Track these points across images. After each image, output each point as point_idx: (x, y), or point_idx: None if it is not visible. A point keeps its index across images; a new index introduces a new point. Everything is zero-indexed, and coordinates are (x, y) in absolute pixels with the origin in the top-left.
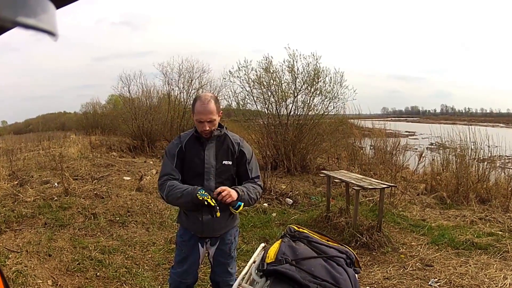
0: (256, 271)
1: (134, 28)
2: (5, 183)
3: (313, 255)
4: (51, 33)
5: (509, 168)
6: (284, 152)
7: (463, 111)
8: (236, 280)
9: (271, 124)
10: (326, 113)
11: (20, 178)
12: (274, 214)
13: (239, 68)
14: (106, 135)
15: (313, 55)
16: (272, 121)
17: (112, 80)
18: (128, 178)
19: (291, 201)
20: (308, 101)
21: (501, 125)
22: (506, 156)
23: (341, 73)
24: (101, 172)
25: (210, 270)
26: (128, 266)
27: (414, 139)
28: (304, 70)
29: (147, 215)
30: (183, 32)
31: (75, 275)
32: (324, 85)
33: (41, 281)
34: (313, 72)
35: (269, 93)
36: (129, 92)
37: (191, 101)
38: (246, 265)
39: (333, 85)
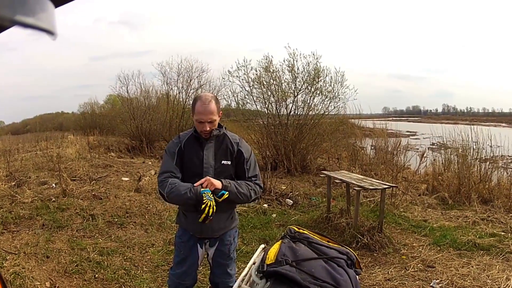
0: (256, 272)
1: (132, 28)
2: (2, 184)
3: (313, 256)
4: (50, 32)
5: None
6: (284, 152)
7: (465, 110)
8: (235, 281)
9: (271, 124)
10: (326, 113)
11: (18, 179)
12: (274, 215)
13: (238, 67)
14: (104, 135)
15: (313, 54)
16: (272, 121)
17: (110, 80)
18: (127, 179)
19: (291, 201)
20: (309, 101)
21: (504, 124)
22: (508, 156)
23: (342, 73)
24: (99, 172)
25: (209, 271)
26: (126, 268)
27: (416, 139)
28: (304, 69)
29: (146, 216)
30: (182, 32)
31: (73, 277)
32: (324, 84)
33: (39, 283)
34: (313, 72)
35: (269, 93)
36: (128, 92)
37: (190, 101)
38: (246, 266)
39: (333, 85)
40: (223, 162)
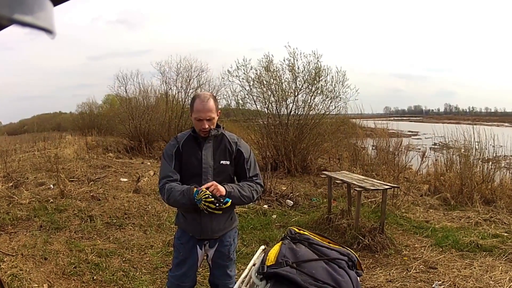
0: (256, 274)
1: (130, 27)
2: None
3: (314, 258)
4: (48, 31)
5: None
6: (284, 152)
7: (467, 110)
8: (235, 283)
9: (271, 124)
10: (327, 113)
11: (15, 180)
12: (274, 216)
13: (238, 67)
14: (103, 135)
15: (314, 53)
16: (272, 121)
17: (108, 80)
18: (125, 180)
19: (292, 202)
20: (309, 101)
21: (506, 124)
22: (511, 156)
23: (342, 72)
24: (97, 173)
25: (209, 273)
26: (125, 270)
27: (417, 139)
28: (304, 68)
29: (145, 217)
30: (181, 31)
31: (72, 278)
32: (325, 84)
33: (36, 285)
34: (314, 71)
35: (269, 92)
36: (126, 91)
37: (189, 101)
38: (246, 268)
39: (334, 84)
40: (222, 162)
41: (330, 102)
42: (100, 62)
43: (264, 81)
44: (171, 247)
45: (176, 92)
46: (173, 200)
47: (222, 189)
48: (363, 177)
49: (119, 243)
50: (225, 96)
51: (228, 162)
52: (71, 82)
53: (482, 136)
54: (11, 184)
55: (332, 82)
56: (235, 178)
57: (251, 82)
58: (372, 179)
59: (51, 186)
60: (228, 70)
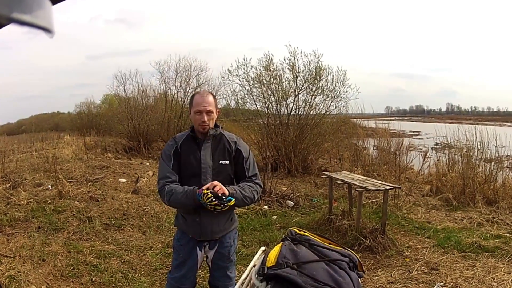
0: (256, 275)
1: (129, 26)
2: None
3: (315, 259)
4: (47, 30)
5: None
6: (284, 152)
7: (469, 110)
8: (235, 284)
9: (271, 124)
10: (328, 113)
11: (13, 181)
12: (274, 217)
13: (238, 66)
14: (101, 135)
15: (315, 52)
16: (272, 121)
17: (107, 79)
18: (124, 180)
19: (292, 203)
20: (310, 100)
21: (509, 124)
22: None
23: (343, 72)
24: (96, 174)
25: (208, 274)
26: (124, 271)
27: (419, 139)
28: (305, 68)
29: (144, 218)
30: (180, 30)
31: (70, 280)
32: (326, 83)
33: (34, 287)
34: (314, 70)
35: (269, 92)
36: (125, 91)
37: (189, 101)
38: (246, 269)
39: (335, 84)
40: (221, 162)
41: (331, 102)
42: (99, 61)
43: (264, 80)
44: (171, 249)
45: (175, 91)
46: (175, 202)
47: (225, 191)
48: (364, 177)
49: (118, 244)
50: (224, 96)
51: (227, 162)
52: (69, 81)
53: (485, 136)
54: (9, 185)
55: (332, 82)
56: (234, 178)
57: (251, 82)
58: (373, 180)
59: (49, 186)
60: (228, 69)
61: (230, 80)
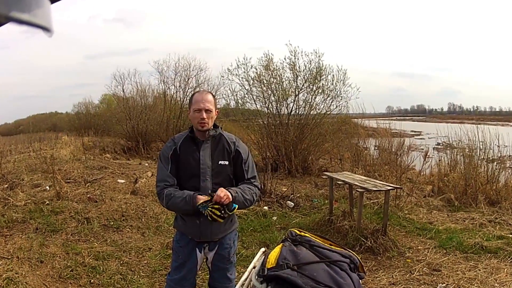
0: (256, 276)
1: (128, 25)
2: None
3: (315, 260)
4: (46, 29)
5: None
6: (284, 153)
7: (471, 109)
8: (235, 286)
9: (271, 124)
10: (328, 112)
11: (10, 181)
12: (274, 218)
13: (237, 65)
14: (100, 136)
15: (315, 52)
16: (273, 121)
17: (105, 79)
18: (123, 181)
19: (292, 204)
20: (310, 100)
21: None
22: None
23: (344, 71)
24: (94, 174)
25: (208, 276)
26: (123, 273)
27: (420, 139)
28: (306, 67)
29: (143, 220)
30: (179, 29)
31: (68, 282)
32: (326, 83)
33: None
34: (315, 70)
35: (269, 92)
36: (123, 91)
37: (188, 100)
38: (245, 270)
39: (335, 83)
40: (220, 162)
41: (331, 102)
42: (98, 61)
43: (264, 80)
44: (170, 250)
45: (175, 91)
46: (173, 207)
47: (230, 195)
48: (365, 177)
49: (117, 245)
50: (224, 96)
51: (226, 163)
52: (67, 81)
53: (487, 135)
54: (6, 185)
55: (333, 81)
56: (233, 179)
57: (251, 81)
58: (374, 180)
59: (47, 187)
60: (228, 69)
61: (229, 80)
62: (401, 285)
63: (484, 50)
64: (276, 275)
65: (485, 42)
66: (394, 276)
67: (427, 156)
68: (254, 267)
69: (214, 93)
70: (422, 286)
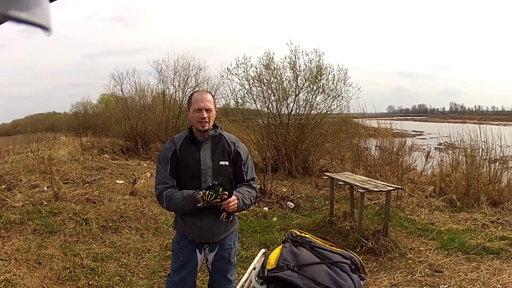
0: (257, 278)
1: (126, 24)
2: None
3: (316, 261)
4: (45, 28)
5: None
6: (285, 153)
7: (473, 109)
8: (235, 287)
9: (272, 124)
10: (329, 112)
11: (8, 182)
12: (275, 219)
13: (237, 65)
14: (98, 136)
15: (316, 51)
16: (273, 121)
17: (103, 79)
18: (121, 182)
19: (293, 204)
20: (311, 100)
21: None
22: None
23: (344, 70)
24: (92, 175)
25: (208, 277)
26: (122, 274)
27: (422, 138)
28: (306, 67)
29: (142, 220)
30: (179, 28)
31: (66, 284)
32: (327, 82)
33: None
34: (315, 69)
35: (270, 91)
36: (122, 91)
37: (187, 100)
38: (246, 272)
39: (336, 83)
40: (221, 163)
41: (332, 101)
42: (96, 60)
43: (264, 79)
44: (169, 251)
45: (174, 91)
46: (174, 207)
47: (236, 206)
48: (366, 178)
49: (115, 247)
50: (224, 95)
51: (227, 163)
52: (65, 81)
53: (489, 135)
54: (4, 186)
55: (334, 81)
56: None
57: (251, 81)
58: (375, 180)
59: (45, 188)
60: (227, 68)
61: (229, 79)
62: (403, 287)
63: (487, 49)
64: (276, 276)
65: (488, 41)
66: (395, 278)
67: (429, 156)
68: (254, 269)
69: (213, 93)
70: (424, 287)
